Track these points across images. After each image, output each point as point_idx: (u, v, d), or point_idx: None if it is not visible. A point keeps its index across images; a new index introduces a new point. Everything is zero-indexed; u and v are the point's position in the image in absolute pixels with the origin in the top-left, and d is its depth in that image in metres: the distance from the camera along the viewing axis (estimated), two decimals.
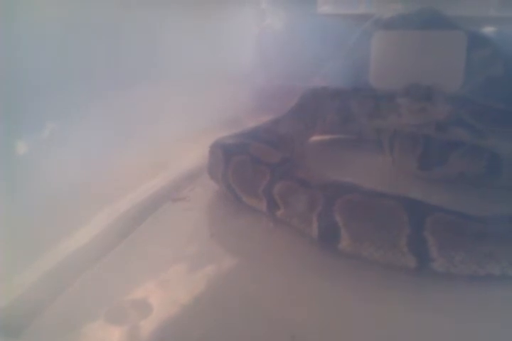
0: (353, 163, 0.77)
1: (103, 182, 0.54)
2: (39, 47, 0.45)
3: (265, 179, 0.55)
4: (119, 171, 0.57)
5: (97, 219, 0.54)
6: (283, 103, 0.86)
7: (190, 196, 0.62)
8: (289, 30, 1.03)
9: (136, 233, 0.54)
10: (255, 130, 0.69)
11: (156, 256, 0.51)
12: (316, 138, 0.88)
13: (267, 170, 0.56)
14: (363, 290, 0.46)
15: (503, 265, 0.45)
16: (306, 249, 0.51)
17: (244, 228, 0.55)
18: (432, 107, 0.60)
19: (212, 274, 0.48)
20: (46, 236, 0.47)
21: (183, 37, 0.77)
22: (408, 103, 0.62)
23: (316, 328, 0.40)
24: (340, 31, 1.07)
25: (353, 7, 1.13)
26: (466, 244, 0.45)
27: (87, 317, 0.40)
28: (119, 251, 0.51)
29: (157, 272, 0.47)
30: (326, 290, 0.46)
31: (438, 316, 0.42)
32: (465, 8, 1.04)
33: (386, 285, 0.46)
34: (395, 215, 0.46)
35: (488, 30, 1.00)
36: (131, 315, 0.41)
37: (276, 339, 0.39)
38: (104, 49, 0.55)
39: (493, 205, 0.59)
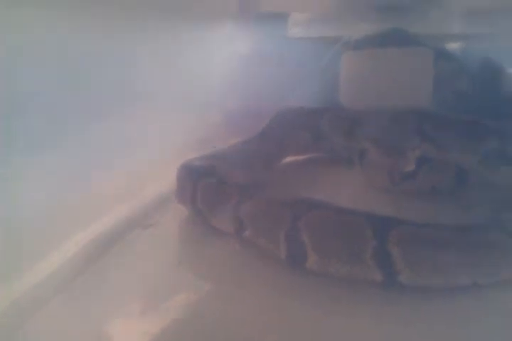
0: (326, 181, 0.77)
1: (74, 208, 0.54)
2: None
3: (232, 200, 0.55)
4: (91, 197, 0.57)
5: (65, 246, 0.53)
6: (255, 125, 0.87)
7: (160, 222, 0.61)
8: (258, 53, 1.04)
9: (104, 261, 0.53)
10: (224, 151, 0.70)
11: (124, 284, 0.50)
12: (290, 158, 0.88)
13: (234, 192, 0.56)
14: (332, 307, 0.46)
15: (471, 274, 0.45)
16: (274, 269, 0.51)
17: (214, 252, 0.55)
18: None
19: (182, 302, 0.47)
20: (10, 265, 0.46)
21: (151, 63, 0.78)
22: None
23: None
24: (311, 54, 1.09)
25: (324, 30, 1.16)
26: (432, 255, 0.45)
27: None
28: (86, 279, 0.50)
29: (125, 302, 0.46)
30: (296, 309, 0.46)
31: (408, 329, 0.42)
32: (430, 26, 1.06)
33: (355, 300, 0.46)
34: (358, 230, 0.46)
35: (453, 46, 1.02)
36: None
37: None
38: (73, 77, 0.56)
39: (463, 215, 0.59)
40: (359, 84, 0.97)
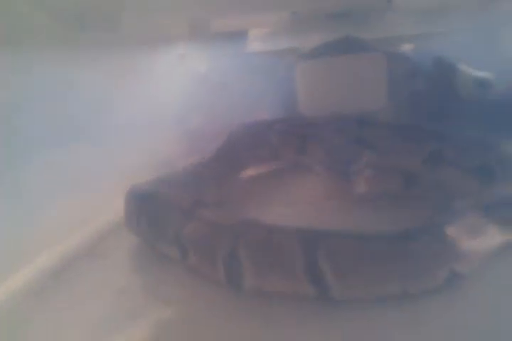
0: (282, 193, 0.77)
1: (24, 239, 0.54)
2: None
3: (176, 224, 0.56)
4: (42, 227, 0.57)
5: (11, 277, 0.53)
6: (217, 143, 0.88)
7: (110, 250, 0.62)
8: (216, 71, 1.05)
9: (51, 292, 0.53)
10: (174, 174, 0.70)
11: (69, 317, 0.50)
12: (250, 172, 0.88)
13: (178, 215, 0.56)
14: (273, 325, 0.46)
15: (400, 283, 0.45)
16: (215, 293, 0.51)
17: (160, 280, 0.55)
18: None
19: (128, 331, 0.47)
20: None
21: (105, 88, 0.79)
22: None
23: None
24: (270, 67, 1.10)
25: (280, 42, 1.17)
26: (361, 267, 0.45)
27: None
28: (30, 311, 0.50)
29: (73, 332, 0.47)
30: (238, 330, 0.46)
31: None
32: (383, 30, 1.07)
33: (292, 316, 0.47)
34: (289, 247, 0.47)
35: (406, 47, 1.03)
36: None
37: None
38: None
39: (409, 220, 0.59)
40: (315, 93, 0.98)
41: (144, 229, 0.60)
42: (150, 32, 0.93)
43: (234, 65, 1.09)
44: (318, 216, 0.64)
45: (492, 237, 0.52)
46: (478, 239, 0.51)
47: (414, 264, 0.45)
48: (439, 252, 0.46)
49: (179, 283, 0.54)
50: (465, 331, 0.43)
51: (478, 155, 0.61)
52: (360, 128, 0.68)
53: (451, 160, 0.62)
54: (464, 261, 0.48)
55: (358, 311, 0.46)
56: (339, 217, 0.64)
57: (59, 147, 0.62)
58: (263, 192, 0.77)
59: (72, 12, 0.64)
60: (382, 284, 0.45)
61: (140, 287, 0.55)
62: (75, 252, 0.60)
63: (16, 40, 0.55)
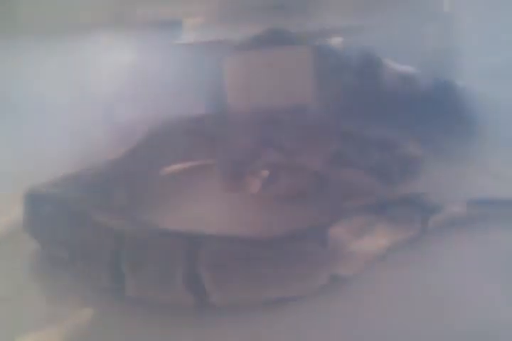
0: (198, 190, 0.76)
1: None
2: None
3: (65, 228, 0.54)
4: None
5: None
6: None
7: (5, 257, 0.60)
8: (145, 62, 1.03)
9: None
10: (83, 172, 0.68)
11: None
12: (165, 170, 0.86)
13: (68, 219, 0.55)
14: (154, 334, 0.45)
15: (276, 289, 0.45)
16: (102, 300, 0.50)
17: (49, 284, 0.54)
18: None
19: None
20: None
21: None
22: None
23: None
24: (200, 60, 1.08)
25: (212, 34, 1.15)
26: (238, 272, 0.45)
27: None
28: None
29: None
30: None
31: None
32: (312, 23, 1.06)
33: (172, 325, 0.46)
34: (171, 253, 0.46)
35: (336, 41, 1.03)
36: None
37: None
38: None
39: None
40: (243, 87, 0.97)
41: (40, 233, 0.58)
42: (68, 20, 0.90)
43: (163, 56, 1.06)
44: (218, 218, 0.64)
45: (382, 237, 0.52)
46: (366, 239, 0.51)
47: (292, 268, 0.45)
48: (319, 255, 0.46)
49: (69, 288, 0.53)
50: (342, 333, 0.43)
51: (375, 155, 0.62)
52: (268, 126, 0.67)
53: (352, 160, 0.62)
54: (348, 263, 0.49)
55: (239, 317, 0.45)
56: (237, 219, 0.64)
57: None
58: (172, 195, 0.76)
59: None
60: (260, 288, 0.45)
61: (28, 293, 0.53)
62: None
63: None
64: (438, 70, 0.99)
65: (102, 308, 0.49)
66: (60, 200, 0.58)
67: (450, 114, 0.86)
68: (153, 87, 1.04)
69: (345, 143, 0.64)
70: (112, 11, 0.99)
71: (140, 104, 1.02)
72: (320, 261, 0.47)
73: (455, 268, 0.52)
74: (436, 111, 0.87)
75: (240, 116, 0.77)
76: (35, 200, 0.60)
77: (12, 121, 0.78)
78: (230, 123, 0.75)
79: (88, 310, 0.49)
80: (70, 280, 0.53)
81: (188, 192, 0.76)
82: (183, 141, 0.78)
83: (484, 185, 0.67)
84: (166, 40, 1.10)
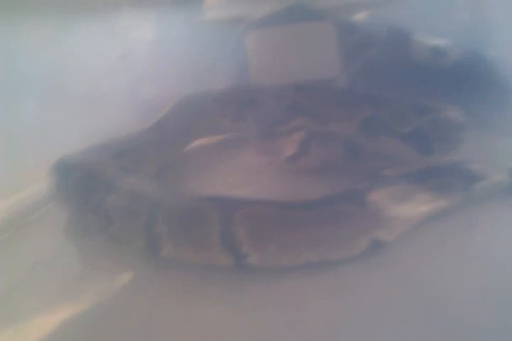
0: (227, 163, 0.75)
1: None
2: None
3: (99, 194, 0.53)
4: None
5: None
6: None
7: (36, 223, 0.59)
8: (169, 40, 1.02)
9: None
10: (111, 142, 0.67)
11: None
12: (201, 142, 0.86)
13: (101, 186, 0.54)
14: (191, 294, 0.45)
15: (318, 251, 0.44)
16: (136, 260, 0.50)
17: (86, 250, 0.54)
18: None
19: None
20: None
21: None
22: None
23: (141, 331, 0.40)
24: (223, 36, 1.07)
25: (234, 11, 1.13)
26: (278, 235, 0.44)
27: None
28: None
29: None
30: (157, 298, 0.45)
31: (262, 310, 0.41)
32: None
33: (209, 285, 0.45)
34: (206, 215, 0.45)
35: (360, 16, 1.00)
36: None
37: None
38: None
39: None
40: (266, 62, 0.95)
41: (72, 199, 0.58)
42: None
43: (186, 33, 1.05)
44: (253, 186, 0.62)
45: (423, 204, 0.51)
46: (407, 206, 0.49)
47: (331, 230, 0.44)
48: (359, 218, 0.45)
49: (103, 252, 0.53)
50: (384, 298, 0.42)
51: (413, 121, 0.60)
52: (297, 93, 0.65)
53: (386, 127, 0.60)
54: (388, 228, 0.47)
55: (277, 279, 0.44)
56: (272, 187, 0.62)
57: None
58: (203, 164, 0.75)
59: None
60: (299, 251, 0.44)
61: (63, 258, 0.53)
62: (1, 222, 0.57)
63: None
64: (470, 42, 0.96)
65: (137, 270, 0.49)
66: (90, 166, 0.57)
67: (483, 85, 0.83)
68: (176, 64, 1.03)
69: (379, 110, 0.62)
70: None
71: (163, 81, 1.01)
72: (360, 225, 0.45)
73: (497, 237, 0.50)
74: (469, 82, 0.85)
75: (266, 87, 0.75)
76: (65, 168, 0.59)
77: (41, 94, 0.77)
78: (259, 92, 0.73)
79: (123, 272, 0.49)
80: (103, 245, 0.53)
81: (217, 163, 0.75)
82: (211, 113, 0.76)
83: None
84: (188, 18, 1.09)
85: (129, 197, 0.50)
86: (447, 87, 0.83)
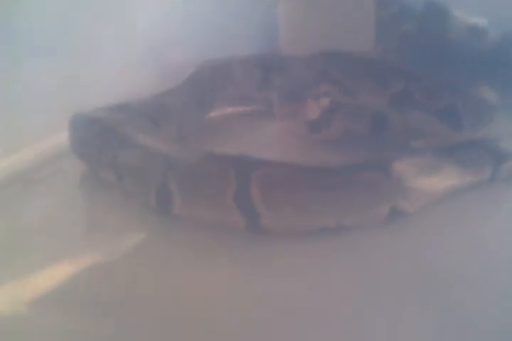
0: (249, 133, 0.73)
1: None
2: None
3: (112, 150, 0.52)
4: None
5: None
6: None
7: (51, 177, 0.58)
8: (196, 3, 0.99)
9: None
10: (130, 102, 0.66)
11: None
12: (223, 111, 0.84)
13: (114, 141, 0.53)
14: (201, 254, 0.44)
15: (336, 216, 0.42)
16: (147, 217, 0.49)
17: (96, 204, 0.53)
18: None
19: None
20: None
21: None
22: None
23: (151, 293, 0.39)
24: (252, 2, 1.04)
25: None
26: (295, 197, 0.42)
27: None
28: None
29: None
30: (167, 255, 0.44)
31: (272, 272, 0.40)
32: None
33: (220, 245, 0.44)
34: (221, 173, 0.43)
35: None
36: None
37: None
38: None
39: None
40: (298, 30, 0.92)
41: (87, 153, 0.57)
42: None
43: None
44: (274, 154, 0.60)
45: (449, 178, 0.49)
46: (432, 179, 0.47)
47: (352, 196, 0.42)
48: (381, 185, 0.43)
49: (114, 207, 0.52)
50: (397, 268, 0.40)
51: (445, 98, 0.57)
52: (328, 61, 0.62)
53: (417, 101, 0.57)
54: (411, 198, 0.45)
55: (290, 242, 0.43)
56: (294, 155, 0.60)
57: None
58: (224, 132, 0.73)
59: None
60: (316, 215, 0.42)
61: (74, 212, 0.52)
62: (8, 176, 0.56)
63: None
64: (510, 23, 0.91)
65: (148, 226, 0.48)
66: (107, 122, 0.56)
67: None
68: (203, 29, 1.00)
69: (411, 84, 0.59)
70: None
71: (190, 47, 0.99)
72: (382, 193, 0.43)
73: None
74: (505, 64, 0.81)
75: (296, 55, 0.73)
76: (83, 122, 0.58)
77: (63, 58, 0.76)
78: (287, 59, 0.71)
79: (134, 229, 0.48)
80: (116, 200, 0.52)
81: (238, 132, 0.73)
82: (236, 77, 0.74)
83: None
84: None
85: (142, 153, 0.49)
86: (482, 68, 0.80)
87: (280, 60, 0.72)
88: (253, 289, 0.39)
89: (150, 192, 0.47)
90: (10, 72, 0.61)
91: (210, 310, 0.36)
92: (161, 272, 0.41)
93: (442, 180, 0.48)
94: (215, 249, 0.44)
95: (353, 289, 0.38)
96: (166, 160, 0.47)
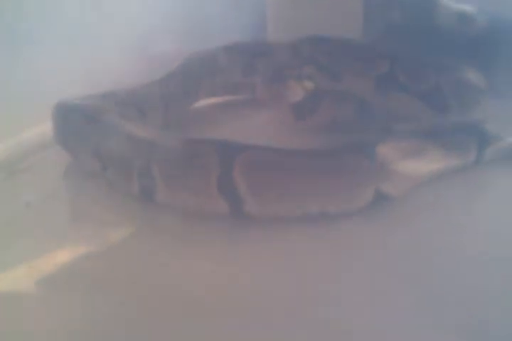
0: (235, 122, 0.73)
1: None
2: None
3: (95, 138, 0.52)
4: None
5: None
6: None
7: (36, 167, 0.58)
8: None
9: None
10: (117, 91, 0.65)
11: None
12: (209, 100, 0.83)
13: (98, 130, 0.52)
14: (184, 241, 0.43)
15: (319, 202, 0.42)
16: (130, 205, 0.48)
17: (78, 193, 0.53)
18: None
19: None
20: None
21: None
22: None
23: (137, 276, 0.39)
24: None
25: None
26: (277, 182, 0.42)
27: None
28: None
29: None
30: (149, 242, 0.44)
31: (256, 259, 0.40)
32: None
33: (203, 232, 0.44)
34: (204, 158, 0.43)
35: None
36: None
37: None
38: None
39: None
40: (286, 16, 0.91)
41: (70, 142, 0.56)
42: None
43: None
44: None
45: (434, 162, 0.48)
46: (416, 162, 0.47)
47: (335, 180, 0.42)
48: (364, 169, 0.42)
49: (99, 197, 0.51)
50: (381, 253, 0.40)
51: (430, 79, 0.57)
52: (312, 46, 0.62)
53: (402, 83, 0.57)
54: (394, 182, 0.45)
55: (273, 229, 0.43)
56: (280, 143, 0.60)
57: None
58: (209, 121, 0.72)
59: None
60: (299, 201, 0.42)
61: (57, 201, 0.51)
62: None
63: None
64: (498, 9, 0.91)
65: (132, 215, 0.48)
66: (90, 110, 0.55)
67: (507, 54, 0.79)
68: (190, 18, 0.99)
69: (396, 66, 0.58)
70: None
71: (179, 36, 0.97)
72: (365, 176, 0.43)
73: (504, 201, 0.47)
74: (493, 50, 0.81)
75: (281, 42, 0.72)
76: (65, 111, 0.57)
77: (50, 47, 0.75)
78: (273, 45, 0.70)
79: (119, 217, 0.47)
80: (101, 190, 0.51)
81: (224, 121, 0.73)
82: (221, 65, 0.73)
83: None
84: None
85: (125, 140, 0.49)
86: (471, 54, 0.79)
87: (266, 46, 0.71)
88: (238, 274, 0.39)
89: (133, 180, 0.47)
90: None
91: (197, 294, 0.36)
92: (145, 259, 0.41)
93: (427, 163, 0.48)
94: (199, 236, 0.43)
95: (337, 274, 0.38)
96: (149, 148, 0.46)
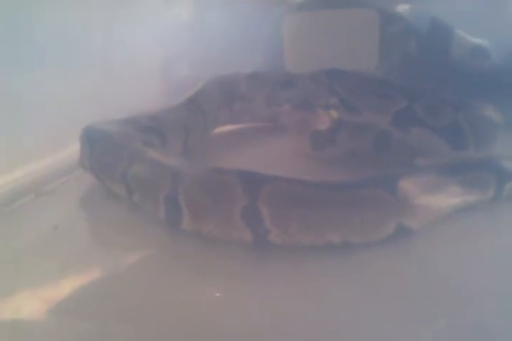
0: (253, 149, 0.74)
1: None
2: None
3: (123, 164, 0.53)
4: None
5: None
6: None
7: (60, 189, 0.59)
8: (203, 19, 1.01)
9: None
10: (139, 117, 0.67)
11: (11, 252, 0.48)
12: (229, 126, 0.85)
13: (126, 156, 0.54)
14: (206, 268, 0.44)
15: (342, 232, 0.43)
16: (157, 231, 0.49)
17: (104, 216, 0.53)
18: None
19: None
20: None
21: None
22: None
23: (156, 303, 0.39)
24: (260, 18, 1.05)
25: None
26: (302, 213, 0.43)
27: None
28: None
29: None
30: (174, 269, 0.44)
31: (279, 288, 0.40)
32: None
33: (227, 260, 0.45)
34: (229, 188, 0.44)
35: (403, 7, 0.98)
36: None
37: None
38: None
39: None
40: (303, 48, 0.93)
41: (96, 166, 0.57)
42: None
43: (222, 13, 1.04)
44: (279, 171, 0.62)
45: (453, 197, 0.49)
46: (436, 197, 0.48)
47: (358, 213, 0.43)
48: (387, 204, 0.43)
49: (122, 221, 0.52)
50: (401, 285, 0.40)
51: (449, 115, 0.58)
52: (332, 79, 0.64)
53: (420, 119, 0.58)
54: (416, 216, 0.46)
55: (296, 258, 0.43)
56: (298, 173, 0.61)
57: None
58: (230, 148, 0.74)
59: None
60: (322, 231, 0.43)
61: (82, 224, 0.53)
62: (16, 189, 0.57)
63: None
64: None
65: (157, 241, 0.48)
66: (118, 137, 0.57)
67: None
68: (211, 45, 1.02)
69: (415, 102, 0.60)
70: None
71: (198, 62, 1.00)
72: (387, 210, 0.44)
73: None
74: (508, 86, 0.82)
75: (300, 73, 0.74)
76: (93, 135, 0.59)
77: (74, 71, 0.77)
78: (294, 76, 0.72)
79: (142, 243, 0.48)
80: (124, 214, 0.52)
81: (244, 148, 0.74)
82: (244, 92, 0.75)
83: None
84: None
85: (152, 167, 0.50)
86: (484, 88, 0.81)
87: (288, 76, 0.73)
88: (260, 304, 0.39)
89: (160, 206, 0.48)
90: (21, 84, 0.62)
91: (218, 323, 0.36)
92: (167, 285, 0.42)
93: (446, 198, 0.48)
94: (222, 264, 0.44)
95: (359, 305, 0.38)
96: (174, 176, 0.47)
